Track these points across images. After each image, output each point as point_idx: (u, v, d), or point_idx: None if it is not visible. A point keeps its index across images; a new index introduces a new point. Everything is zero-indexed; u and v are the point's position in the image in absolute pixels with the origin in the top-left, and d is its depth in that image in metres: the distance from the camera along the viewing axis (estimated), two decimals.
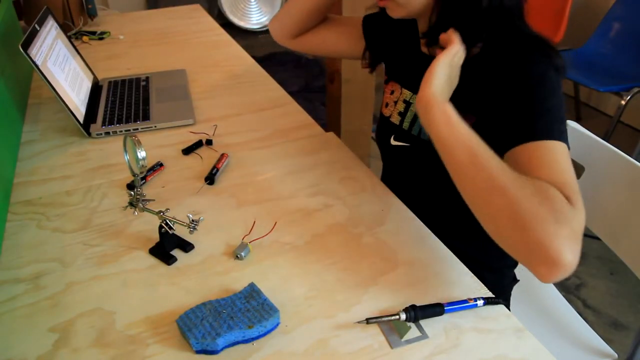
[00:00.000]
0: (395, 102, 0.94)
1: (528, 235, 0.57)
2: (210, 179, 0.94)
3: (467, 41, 0.78)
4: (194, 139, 1.10)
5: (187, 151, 1.05)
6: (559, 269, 0.55)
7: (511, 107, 0.72)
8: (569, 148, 0.68)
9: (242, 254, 0.76)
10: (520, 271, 1.03)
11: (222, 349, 0.62)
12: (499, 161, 0.63)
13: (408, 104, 0.91)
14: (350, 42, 1.06)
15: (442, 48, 0.81)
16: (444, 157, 0.68)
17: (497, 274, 0.95)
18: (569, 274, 0.56)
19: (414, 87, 0.90)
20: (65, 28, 1.42)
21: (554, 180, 0.62)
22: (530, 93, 0.71)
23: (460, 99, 0.81)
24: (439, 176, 0.89)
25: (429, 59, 0.87)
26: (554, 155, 0.66)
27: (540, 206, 0.58)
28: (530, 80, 0.71)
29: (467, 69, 0.81)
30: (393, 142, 0.95)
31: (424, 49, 0.89)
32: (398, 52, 0.96)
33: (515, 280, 1.04)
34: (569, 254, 0.55)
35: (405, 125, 0.91)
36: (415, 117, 0.89)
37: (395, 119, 0.93)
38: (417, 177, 0.94)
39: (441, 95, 0.70)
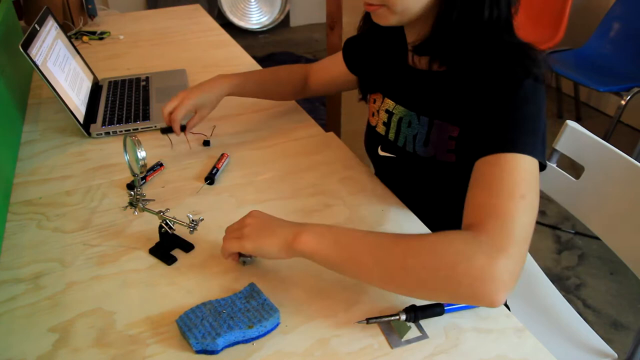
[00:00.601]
0: (378, 112, 0.92)
1: (453, 290, 0.58)
2: (210, 179, 0.94)
3: (458, 54, 0.76)
4: (193, 139, 1.10)
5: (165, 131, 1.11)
6: (498, 294, 0.55)
7: (484, 116, 0.69)
8: (542, 161, 0.65)
9: (248, 259, 0.75)
10: None
11: (222, 349, 0.62)
12: (381, 236, 0.62)
13: (390, 114, 0.89)
14: (348, 77, 1.04)
15: (430, 61, 0.79)
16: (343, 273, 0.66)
17: None
18: (512, 289, 0.56)
19: (398, 98, 0.88)
20: (65, 28, 1.42)
21: (483, 205, 0.61)
22: (502, 101, 0.68)
23: (444, 110, 0.80)
24: (426, 187, 0.88)
25: (415, 72, 0.85)
26: (505, 172, 0.63)
27: (440, 260, 0.58)
28: (502, 88, 0.69)
29: (448, 79, 0.79)
30: (381, 153, 0.93)
31: (410, 61, 0.86)
32: (381, 64, 0.93)
33: None
34: (498, 278, 0.55)
35: (391, 136, 0.89)
36: (399, 128, 0.87)
37: (381, 129, 0.92)
38: (406, 187, 0.92)
39: (282, 243, 0.66)
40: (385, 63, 0.92)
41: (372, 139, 0.95)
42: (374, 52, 0.94)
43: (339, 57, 1.06)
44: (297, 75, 1.11)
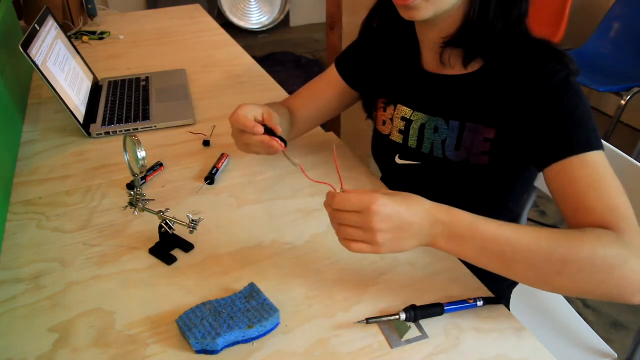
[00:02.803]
0: (392, 120, 0.90)
1: (607, 292, 0.61)
2: (210, 179, 0.94)
3: (494, 45, 0.75)
4: (193, 138, 1.10)
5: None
6: None
7: (542, 122, 0.71)
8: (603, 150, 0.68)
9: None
10: None
11: (222, 349, 0.62)
12: (536, 240, 0.61)
13: (408, 121, 0.87)
14: (343, 97, 0.98)
15: (464, 55, 0.77)
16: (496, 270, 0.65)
17: (496, 278, 0.95)
18: None
19: (415, 104, 0.86)
20: (65, 28, 1.42)
21: (603, 207, 0.64)
22: (559, 105, 0.70)
23: (476, 112, 0.79)
24: (455, 191, 0.86)
25: (436, 77, 0.83)
26: (597, 171, 0.66)
27: (601, 263, 0.59)
28: (555, 91, 0.70)
29: (478, 79, 0.79)
30: (399, 161, 0.90)
31: (427, 67, 0.85)
32: (390, 72, 0.90)
33: (514, 284, 1.04)
34: None
35: (412, 143, 0.87)
36: (422, 135, 0.85)
37: (397, 137, 0.89)
38: (431, 193, 0.90)
39: (419, 245, 0.64)
40: (395, 70, 0.89)
41: (385, 148, 0.93)
42: (379, 61, 0.92)
43: (327, 80, 0.99)
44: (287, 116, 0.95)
